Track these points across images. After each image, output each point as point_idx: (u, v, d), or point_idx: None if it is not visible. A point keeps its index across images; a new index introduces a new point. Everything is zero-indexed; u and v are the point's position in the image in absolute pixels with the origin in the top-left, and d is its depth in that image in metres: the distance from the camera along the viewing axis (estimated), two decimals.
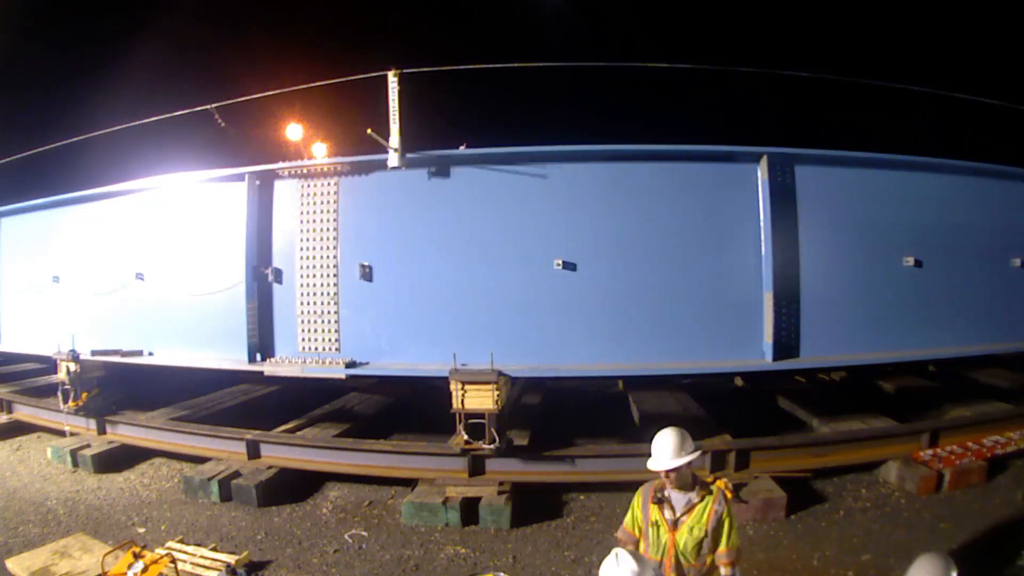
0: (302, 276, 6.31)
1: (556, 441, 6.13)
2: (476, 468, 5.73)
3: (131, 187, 7.36)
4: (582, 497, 5.68)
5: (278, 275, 6.41)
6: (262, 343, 6.52)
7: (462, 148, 6.20)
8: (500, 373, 5.37)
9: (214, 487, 5.80)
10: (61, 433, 7.63)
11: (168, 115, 7.34)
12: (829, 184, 5.98)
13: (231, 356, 6.51)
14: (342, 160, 6.28)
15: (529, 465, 5.67)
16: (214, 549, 4.67)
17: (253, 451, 6.32)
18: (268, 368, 6.27)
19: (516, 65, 6.41)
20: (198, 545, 4.77)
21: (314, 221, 6.28)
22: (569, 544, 4.82)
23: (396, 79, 5.83)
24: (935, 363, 8.54)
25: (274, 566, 4.58)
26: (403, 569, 4.52)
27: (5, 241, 8.94)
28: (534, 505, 5.40)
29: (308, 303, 6.32)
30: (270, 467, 6.06)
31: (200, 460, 6.49)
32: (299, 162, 6.44)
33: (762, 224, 5.80)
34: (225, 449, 6.49)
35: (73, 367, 6.99)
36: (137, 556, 4.07)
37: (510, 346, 5.76)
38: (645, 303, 5.88)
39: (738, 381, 9.11)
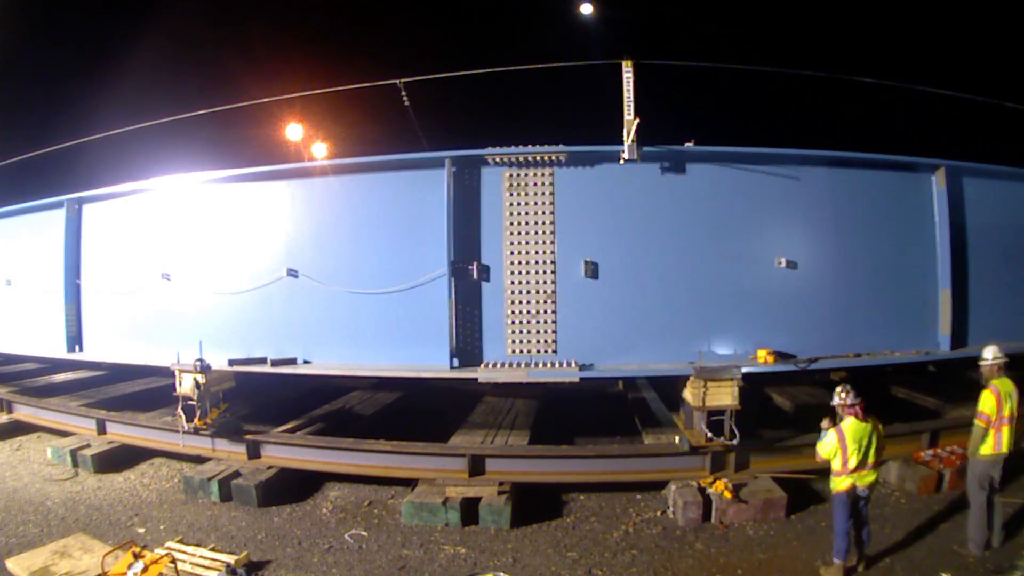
0: (512, 274, 5.85)
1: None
2: (476, 468, 5.73)
3: (284, 169, 6.63)
4: (582, 497, 5.68)
5: (485, 272, 5.90)
6: (466, 346, 5.90)
7: (689, 144, 5.90)
8: (739, 369, 5.37)
9: (214, 487, 5.80)
10: (61, 433, 7.64)
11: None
12: (991, 194, 6.39)
13: (422, 363, 5.93)
14: (561, 149, 5.79)
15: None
16: (214, 549, 4.67)
17: (253, 451, 6.32)
18: (484, 374, 5.74)
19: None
20: (198, 545, 4.77)
21: (526, 214, 5.83)
22: (569, 544, 4.82)
23: (631, 69, 5.54)
24: None
25: (274, 566, 4.58)
26: (403, 569, 4.51)
27: (89, 232, 7.68)
28: (534, 505, 5.40)
29: (520, 302, 5.83)
30: (270, 467, 6.06)
31: (200, 460, 6.49)
32: (509, 148, 5.81)
33: (937, 227, 6.08)
34: (225, 449, 6.49)
35: (202, 380, 6.00)
36: (137, 556, 4.07)
37: (741, 341, 5.75)
38: (854, 297, 6.06)
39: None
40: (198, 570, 4.37)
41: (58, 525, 5.32)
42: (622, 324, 5.85)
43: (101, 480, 6.44)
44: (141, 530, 5.23)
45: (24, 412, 8.40)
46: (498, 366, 5.81)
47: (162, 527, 5.28)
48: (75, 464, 6.78)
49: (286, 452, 6.29)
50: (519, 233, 5.84)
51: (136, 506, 5.78)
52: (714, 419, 5.42)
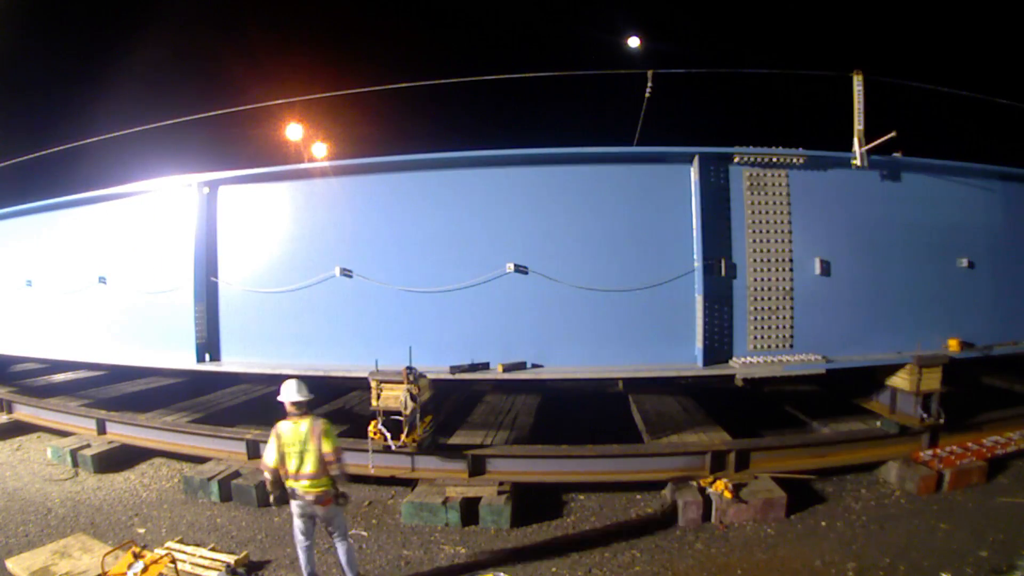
0: (754, 271, 5.96)
1: None
2: (476, 468, 5.73)
3: (516, 155, 6.25)
4: (582, 497, 5.68)
5: (734, 270, 5.95)
6: (714, 343, 5.92)
7: (897, 155, 6.31)
8: (947, 356, 5.90)
9: (214, 487, 5.80)
10: (61, 433, 7.64)
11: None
12: None
13: (667, 362, 5.91)
14: (800, 152, 6.04)
15: None
16: (213, 549, 4.67)
17: (253, 451, 6.32)
18: (742, 369, 5.78)
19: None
20: (198, 545, 4.77)
21: (765, 213, 5.99)
22: (569, 544, 4.82)
23: (860, 81, 6.03)
24: None
25: (274, 566, 4.58)
26: (403, 569, 4.51)
27: (225, 214, 6.87)
28: (534, 505, 5.40)
29: (761, 299, 5.96)
30: None
31: (200, 460, 6.48)
32: (751, 149, 5.95)
33: None
34: (225, 449, 6.49)
35: (415, 391, 5.41)
36: (137, 556, 4.07)
37: (939, 332, 6.23)
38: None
39: None
40: (198, 570, 4.37)
41: (58, 525, 5.32)
42: (851, 319, 6.16)
43: (101, 480, 6.44)
44: (141, 530, 5.23)
45: (24, 412, 8.40)
46: (762, 362, 5.91)
47: (162, 527, 5.28)
48: (75, 464, 6.78)
49: None
50: (759, 231, 6.00)
51: (136, 506, 5.78)
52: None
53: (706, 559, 4.50)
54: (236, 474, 5.97)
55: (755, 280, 5.95)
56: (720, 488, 5.16)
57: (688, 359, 5.90)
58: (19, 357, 9.92)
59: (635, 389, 8.15)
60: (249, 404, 8.66)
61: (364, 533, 5.10)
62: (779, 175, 6.00)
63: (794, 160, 5.99)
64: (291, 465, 3.97)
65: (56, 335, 8.19)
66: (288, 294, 6.42)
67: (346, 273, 6.25)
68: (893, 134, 5.91)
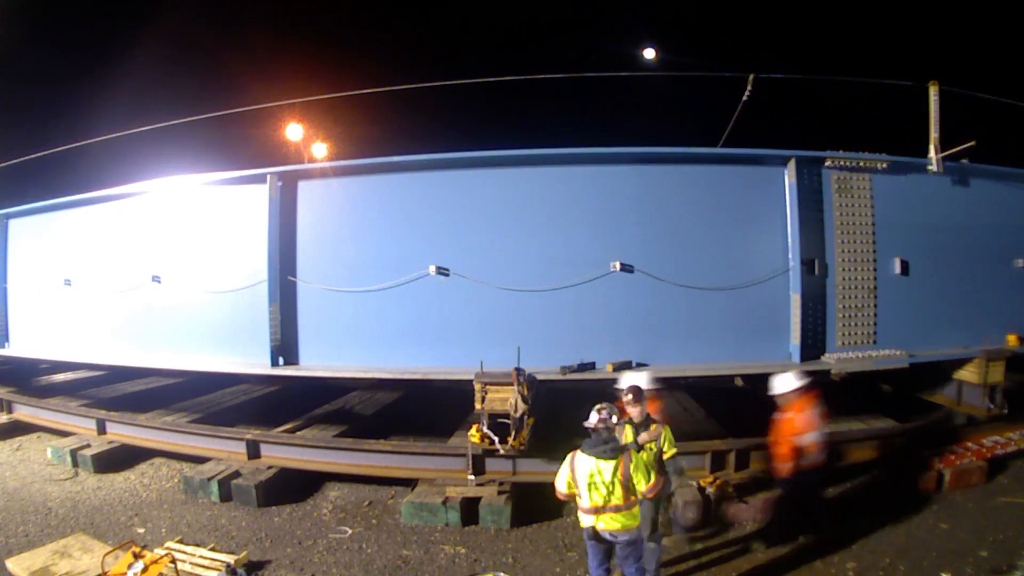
0: (842, 271, 6.18)
1: None
2: (476, 468, 5.73)
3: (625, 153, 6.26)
4: None
5: (826, 269, 6.17)
6: (808, 339, 6.08)
7: (964, 161, 6.56)
8: (1011, 351, 6.27)
9: (214, 487, 5.80)
10: (62, 433, 7.64)
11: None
12: None
13: (758, 359, 6.03)
14: (883, 157, 6.27)
15: None
16: (213, 549, 4.67)
17: (253, 451, 6.32)
18: (837, 364, 6.00)
19: None
20: (198, 545, 4.77)
21: (852, 215, 6.23)
22: (569, 544, 4.82)
23: (936, 92, 6.37)
24: None
25: (274, 566, 4.58)
26: (403, 569, 4.51)
27: (305, 209, 6.51)
28: (534, 505, 5.40)
29: (849, 297, 6.20)
30: (270, 467, 6.06)
31: (200, 460, 6.49)
32: (842, 153, 6.16)
33: None
34: (225, 449, 6.49)
35: (524, 392, 5.27)
36: (137, 556, 4.07)
37: (998, 328, 6.42)
38: None
39: None
40: (198, 570, 4.37)
41: (58, 525, 5.32)
42: (924, 316, 6.39)
43: (101, 480, 6.44)
44: (141, 530, 5.23)
45: (24, 412, 8.40)
46: (853, 357, 6.08)
47: (162, 527, 5.28)
48: (75, 464, 6.78)
49: (286, 452, 6.30)
50: (846, 232, 6.21)
51: (136, 506, 5.78)
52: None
53: (706, 559, 4.50)
54: (236, 474, 5.97)
55: (843, 279, 6.17)
56: (720, 488, 5.15)
57: (782, 356, 6.06)
58: (62, 363, 9.52)
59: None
60: (250, 404, 8.68)
61: (348, 530, 5.13)
62: (863, 179, 6.22)
63: (877, 165, 6.22)
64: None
65: (100, 338, 7.71)
66: (376, 293, 6.20)
67: (442, 272, 6.10)
68: (972, 143, 6.26)
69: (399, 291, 6.14)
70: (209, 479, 5.85)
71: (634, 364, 5.84)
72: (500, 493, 5.35)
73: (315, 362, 6.41)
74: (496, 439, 5.28)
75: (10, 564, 4.46)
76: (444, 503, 5.21)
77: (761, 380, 5.25)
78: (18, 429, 8.20)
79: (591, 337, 5.94)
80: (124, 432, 7.21)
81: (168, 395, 9.07)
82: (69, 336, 8.05)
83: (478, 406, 5.37)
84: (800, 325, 5.94)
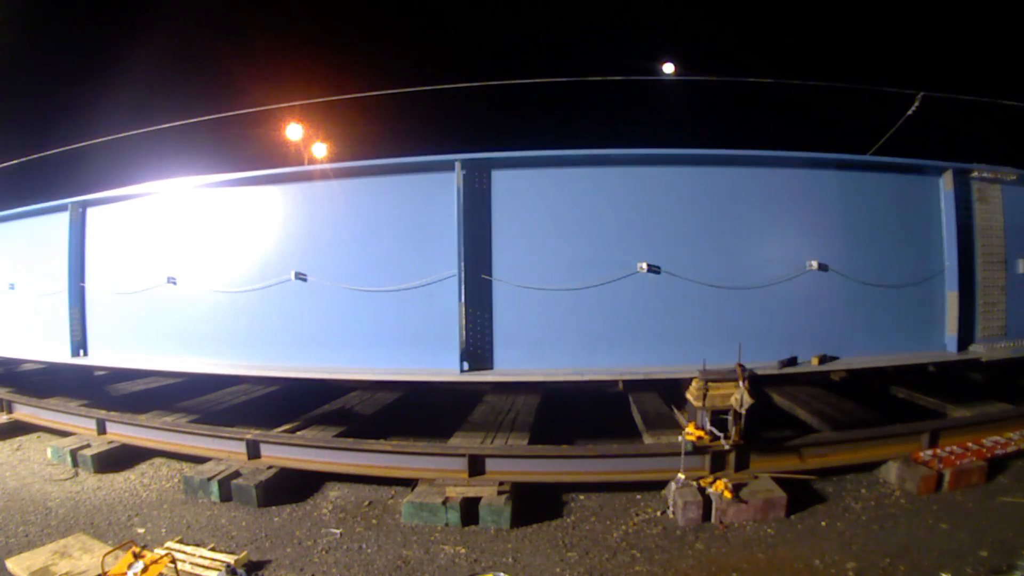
0: (983, 270, 6.70)
1: None
2: (475, 468, 5.74)
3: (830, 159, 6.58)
4: (582, 497, 5.68)
5: (972, 269, 6.71)
6: (965, 332, 6.56)
7: None
8: None
9: (214, 487, 5.81)
10: (62, 433, 7.65)
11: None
12: None
13: (918, 350, 6.53)
14: (1009, 170, 6.84)
15: None
16: (213, 549, 4.68)
17: (253, 451, 6.33)
18: (987, 352, 6.50)
19: None
20: (197, 545, 4.77)
21: (988, 220, 6.74)
22: (569, 544, 4.82)
23: None
24: None
25: (273, 566, 4.58)
26: (403, 569, 4.52)
27: (500, 201, 6.25)
28: (534, 505, 5.41)
29: (987, 293, 6.73)
30: (270, 467, 6.06)
31: (200, 460, 6.49)
32: (985, 165, 6.72)
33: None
34: (225, 449, 6.49)
35: (746, 387, 5.38)
36: (137, 556, 4.08)
37: None
38: None
39: None
40: (198, 570, 4.37)
41: (58, 525, 5.32)
42: None
43: (101, 480, 6.45)
44: (141, 530, 5.23)
45: (24, 412, 8.41)
46: (989, 347, 6.59)
47: (162, 527, 5.29)
48: (75, 464, 6.79)
49: (286, 452, 6.30)
50: (985, 236, 6.74)
51: (136, 506, 5.78)
52: None
53: (706, 559, 4.51)
54: (236, 474, 5.98)
55: (983, 277, 6.72)
56: (720, 488, 5.16)
57: (938, 347, 6.57)
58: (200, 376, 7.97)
59: (635, 388, 8.16)
60: (251, 403, 8.68)
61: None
62: (996, 189, 6.83)
63: (1008, 176, 6.87)
64: None
65: (241, 341, 6.95)
66: (576, 292, 6.05)
67: (653, 269, 6.06)
68: None
69: (601, 290, 6.09)
70: (209, 479, 5.85)
71: (828, 357, 6.22)
72: (500, 493, 5.35)
73: (510, 367, 6.20)
74: (720, 434, 5.44)
75: (10, 564, 4.46)
76: (444, 503, 5.22)
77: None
78: (18, 429, 8.21)
79: (789, 333, 6.25)
80: (124, 432, 7.21)
81: (168, 395, 9.08)
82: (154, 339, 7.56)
83: (697, 403, 5.46)
84: (958, 319, 6.46)
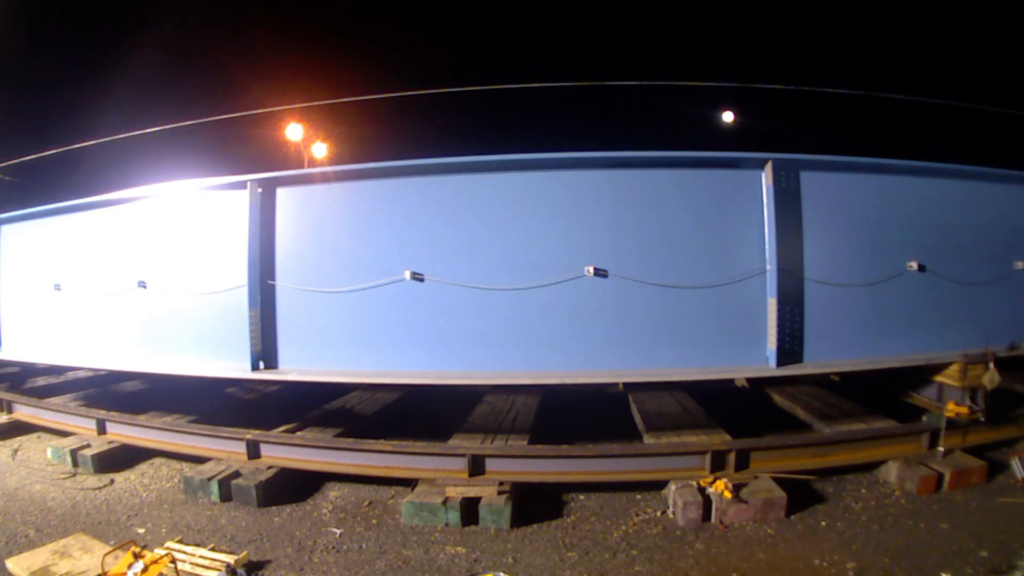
0: None
1: None
2: (476, 468, 5.74)
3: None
4: (582, 497, 5.68)
5: None
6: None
7: None
8: None
9: (214, 487, 5.80)
10: (62, 433, 7.65)
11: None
12: None
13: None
14: None
15: None
16: (213, 549, 4.68)
17: (253, 451, 6.32)
18: None
19: None
20: (198, 545, 4.77)
21: None
22: (569, 544, 4.82)
23: None
24: None
25: (273, 566, 4.58)
26: (403, 569, 4.52)
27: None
28: (534, 505, 5.41)
29: None
30: (270, 467, 6.06)
31: (200, 460, 6.49)
32: None
33: None
34: (225, 449, 6.49)
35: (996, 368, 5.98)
36: (137, 556, 4.08)
37: None
38: None
39: None
40: (197, 570, 4.37)
41: (58, 525, 5.32)
42: None
43: (101, 480, 6.45)
44: (141, 530, 5.23)
45: (24, 412, 8.41)
46: None
47: (162, 527, 5.29)
48: (75, 464, 6.79)
49: (286, 452, 6.30)
50: None
51: (136, 506, 5.78)
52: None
53: (706, 559, 4.51)
54: (236, 474, 5.98)
55: None
56: (720, 488, 5.16)
57: None
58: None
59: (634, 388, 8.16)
60: (251, 404, 8.68)
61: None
62: None
63: None
64: None
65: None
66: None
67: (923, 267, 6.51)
68: None
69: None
70: (209, 479, 5.85)
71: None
72: (500, 493, 5.35)
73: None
74: (979, 409, 5.97)
75: (10, 564, 4.46)
76: (444, 503, 5.21)
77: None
78: (18, 429, 8.21)
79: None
80: (124, 432, 7.21)
81: (167, 395, 9.07)
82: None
83: (959, 383, 6.09)
84: None
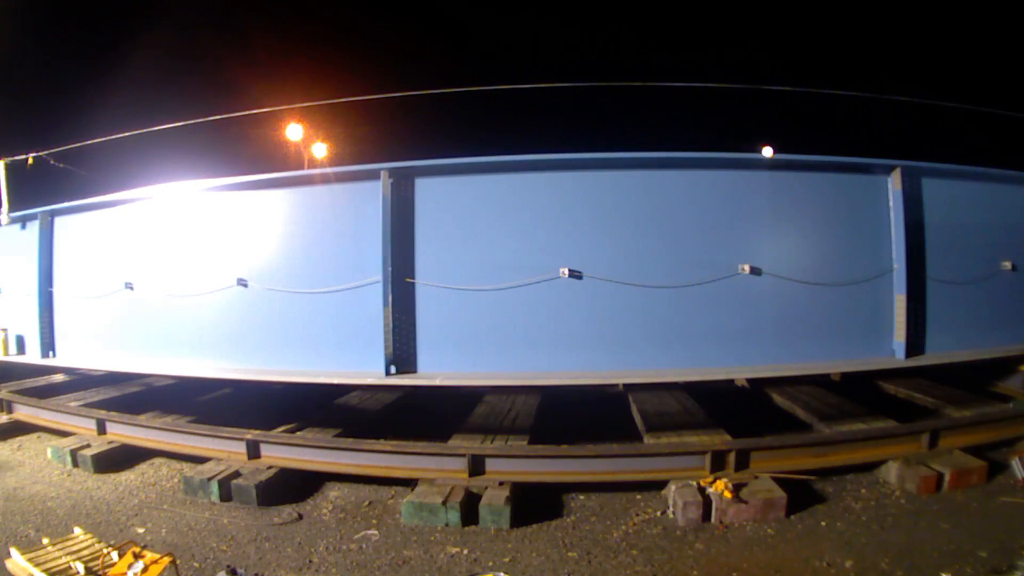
0: None
1: None
2: (476, 468, 5.74)
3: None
4: (582, 497, 5.68)
5: None
6: None
7: None
8: None
9: (214, 487, 5.80)
10: (61, 433, 7.65)
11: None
12: None
13: None
14: None
15: None
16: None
17: (253, 451, 6.32)
18: None
19: None
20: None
21: None
22: (569, 544, 4.82)
23: None
24: None
25: (273, 566, 4.58)
26: (403, 569, 4.52)
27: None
28: (534, 505, 5.41)
29: None
30: (270, 467, 6.06)
31: (200, 460, 6.49)
32: None
33: None
34: (225, 449, 6.49)
35: None
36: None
37: None
38: None
39: None
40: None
41: (58, 525, 5.32)
42: None
43: (101, 480, 6.45)
44: (141, 530, 5.23)
45: (24, 412, 8.40)
46: None
47: (162, 527, 5.28)
48: (75, 464, 6.79)
49: (286, 452, 6.30)
50: None
51: (136, 506, 5.78)
52: None
53: (706, 559, 4.50)
54: (236, 474, 5.98)
55: None
56: (720, 488, 5.16)
57: None
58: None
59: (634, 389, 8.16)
60: (250, 404, 8.67)
61: (375, 533, 5.11)
62: None
63: None
64: None
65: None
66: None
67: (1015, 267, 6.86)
68: None
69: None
70: (209, 479, 5.85)
71: None
72: (500, 485, 5.34)
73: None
74: None
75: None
76: (444, 503, 5.21)
77: None
78: (18, 429, 8.21)
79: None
80: (124, 432, 7.21)
81: (167, 395, 9.07)
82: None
83: None
84: None
